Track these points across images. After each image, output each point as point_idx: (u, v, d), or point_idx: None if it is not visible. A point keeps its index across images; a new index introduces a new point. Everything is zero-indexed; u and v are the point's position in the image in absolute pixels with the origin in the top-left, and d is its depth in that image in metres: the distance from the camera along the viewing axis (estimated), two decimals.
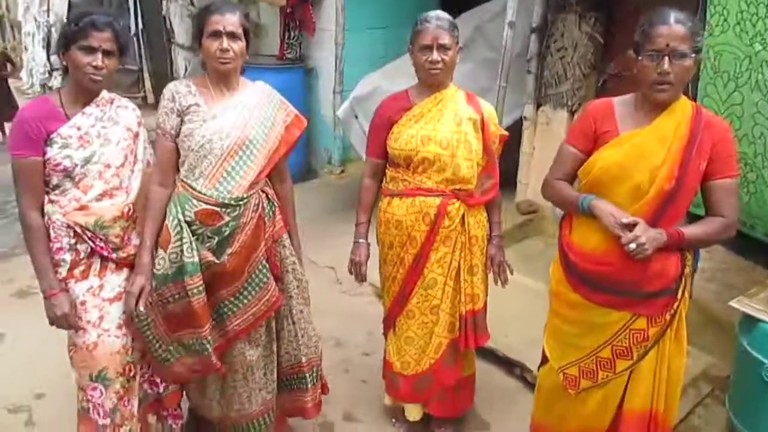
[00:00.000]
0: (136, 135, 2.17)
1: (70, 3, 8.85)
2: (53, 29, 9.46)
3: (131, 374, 2.18)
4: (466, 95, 2.44)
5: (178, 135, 2.15)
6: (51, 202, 2.03)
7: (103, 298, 2.11)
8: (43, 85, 10.14)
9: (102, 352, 2.10)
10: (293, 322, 2.41)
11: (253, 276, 2.25)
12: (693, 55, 1.84)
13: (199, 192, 2.11)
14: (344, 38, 5.33)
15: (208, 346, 2.20)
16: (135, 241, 2.15)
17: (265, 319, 2.32)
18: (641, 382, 2.02)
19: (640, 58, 1.88)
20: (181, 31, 8.04)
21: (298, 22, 5.64)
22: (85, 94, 2.06)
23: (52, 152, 1.98)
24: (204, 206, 2.11)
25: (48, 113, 2.00)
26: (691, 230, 1.92)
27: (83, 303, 2.08)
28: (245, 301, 2.25)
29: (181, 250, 2.10)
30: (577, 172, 2.07)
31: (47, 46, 9.78)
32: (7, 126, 6.95)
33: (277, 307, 2.33)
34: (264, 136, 2.19)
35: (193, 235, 2.13)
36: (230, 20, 2.08)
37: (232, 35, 2.08)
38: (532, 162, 4.64)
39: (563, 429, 2.22)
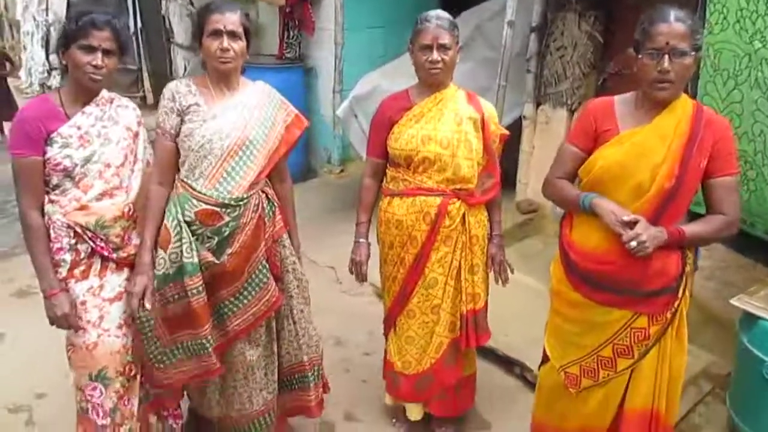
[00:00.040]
0: (136, 134, 2.17)
1: (69, 2, 8.82)
2: (52, 28, 9.44)
3: (131, 374, 2.18)
4: (466, 95, 2.44)
5: (177, 135, 2.15)
6: (51, 201, 2.03)
7: (103, 298, 2.10)
8: (41, 85, 10.12)
9: (102, 352, 2.10)
10: (294, 322, 2.41)
11: (253, 276, 2.24)
12: (693, 53, 1.84)
13: (199, 192, 2.11)
14: (343, 37, 5.32)
15: (208, 346, 2.19)
16: (135, 240, 2.15)
17: (265, 319, 2.31)
18: (642, 380, 2.02)
19: (640, 56, 1.88)
20: (180, 31, 8.03)
21: (297, 22, 5.63)
22: (85, 94, 2.05)
23: (53, 152, 1.98)
24: (204, 206, 2.11)
25: (48, 113, 2.00)
26: (692, 228, 1.92)
27: (83, 303, 2.08)
28: (245, 301, 2.25)
29: (181, 251, 2.10)
30: (577, 171, 2.07)
31: (46, 46, 9.76)
32: (6, 126, 6.93)
33: (277, 307, 2.33)
34: (264, 137, 2.19)
35: (192, 236, 2.12)
36: (231, 19, 2.08)
37: (232, 34, 2.08)
38: (531, 161, 4.64)
39: (564, 428, 2.22)
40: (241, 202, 2.14)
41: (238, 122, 2.14)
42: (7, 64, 8.27)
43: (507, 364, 3.18)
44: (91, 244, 2.05)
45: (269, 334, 2.37)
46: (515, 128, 4.36)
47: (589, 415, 2.14)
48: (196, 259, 2.12)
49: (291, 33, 5.69)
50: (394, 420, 2.82)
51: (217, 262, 2.16)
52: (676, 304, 1.97)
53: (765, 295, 2.50)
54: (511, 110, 4.47)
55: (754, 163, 2.75)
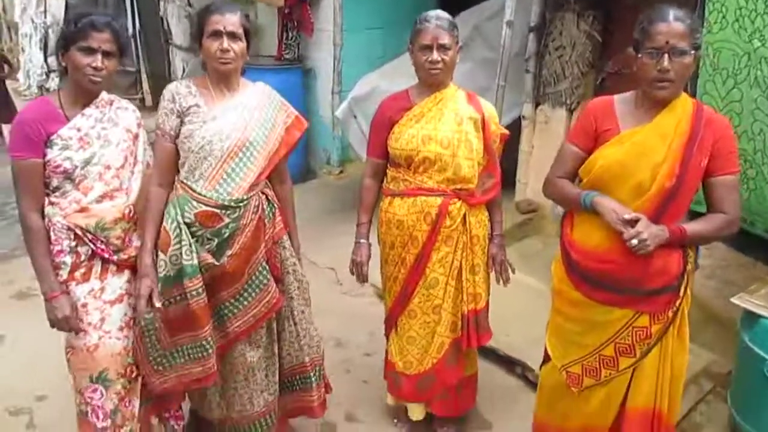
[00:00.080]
0: (136, 136, 2.17)
1: (67, 4, 8.81)
2: (50, 31, 9.43)
3: (132, 375, 2.18)
4: (466, 95, 2.44)
5: (177, 136, 2.14)
6: (51, 204, 2.03)
7: (104, 301, 2.10)
8: (40, 87, 10.10)
9: (103, 354, 2.09)
10: (295, 323, 2.41)
11: (254, 277, 2.24)
12: (692, 52, 1.84)
13: (199, 194, 2.11)
14: (342, 38, 5.32)
15: (208, 347, 2.19)
16: (136, 242, 2.15)
17: (265, 321, 2.31)
18: (644, 379, 2.03)
19: (639, 55, 1.89)
20: (179, 32, 8.02)
21: (296, 23, 5.63)
22: (84, 96, 2.05)
23: (53, 154, 1.98)
24: (204, 208, 2.11)
25: (48, 115, 2.00)
26: (693, 227, 1.92)
27: (84, 305, 2.07)
28: (245, 302, 2.25)
29: (180, 253, 2.10)
30: (578, 170, 2.07)
31: (44, 48, 9.75)
32: (5, 128, 6.92)
33: (277, 309, 2.33)
34: (264, 138, 2.19)
35: (192, 237, 2.12)
36: (231, 20, 2.08)
37: (232, 35, 2.08)
38: (531, 161, 4.64)
39: (566, 427, 2.22)
40: (241, 204, 2.14)
41: (239, 123, 2.13)
42: (6, 67, 8.24)
43: (508, 363, 3.18)
44: (92, 246, 2.05)
45: (270, 336, 2.37)
46: (514, 128, 4.36)
47: (591, 414, 2.14)
48: (195, 261, 2.11)
49: (290, 34, 5.68)
50: (395, 420, 2.82)
51: (217, 263, 2.15)
52: (677, 303, 1.97)
53: (765, 293, 2.51)
54: (510, 110, 4.47)
55: (753, 162, 2.75)
